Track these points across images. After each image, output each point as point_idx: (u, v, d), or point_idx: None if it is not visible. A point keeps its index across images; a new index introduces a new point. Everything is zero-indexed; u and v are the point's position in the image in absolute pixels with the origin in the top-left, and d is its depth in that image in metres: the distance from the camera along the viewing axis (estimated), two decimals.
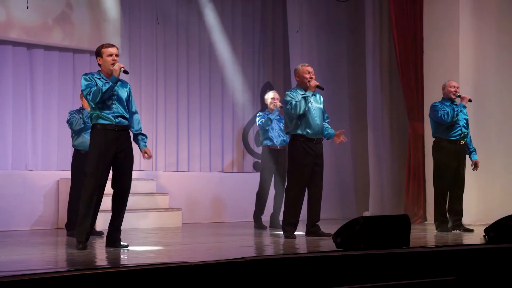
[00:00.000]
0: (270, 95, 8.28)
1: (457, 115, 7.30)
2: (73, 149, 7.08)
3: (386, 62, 9.73)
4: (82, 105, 7.07)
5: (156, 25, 9.50)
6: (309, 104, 6.57)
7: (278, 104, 8.22)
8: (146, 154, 5.76)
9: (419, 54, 9.23)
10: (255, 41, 10.44)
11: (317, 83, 6.64)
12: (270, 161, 8.05)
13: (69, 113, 7.07)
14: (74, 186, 6.88)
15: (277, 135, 8.08)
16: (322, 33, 10.24)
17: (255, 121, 8.16)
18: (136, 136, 5.79)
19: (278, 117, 8.15)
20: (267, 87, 10.24)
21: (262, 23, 10.51)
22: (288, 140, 6.81)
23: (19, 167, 8.31)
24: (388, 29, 9.63)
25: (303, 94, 6.56)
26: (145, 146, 5.78)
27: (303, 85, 6.68)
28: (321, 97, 6.83)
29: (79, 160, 6.86)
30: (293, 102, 6.49)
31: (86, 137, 6.91)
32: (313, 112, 6.60)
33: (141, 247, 5.70)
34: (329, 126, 6.87)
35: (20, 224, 7.71)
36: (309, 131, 6.57)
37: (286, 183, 6.81)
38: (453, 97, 7.46)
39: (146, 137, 5.85)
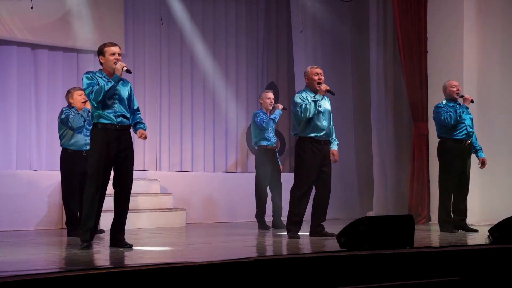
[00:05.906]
0: (270, 95, 8.25)
1: (460, 116, 7.28)
2: (61, 148, 7.00)
3: (390, 62, 9.72)
4: (71, 103, 7.03)
5: (160, 25, 9.51)
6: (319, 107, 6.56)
7: (281, 106, 8.23)
8: (142, 135, 5.61)
9: (423, 54, 9.21)
10: (259, 41, 10.44)
11: (328, 88, 6.61)
12: (267, 161, 8.04)
13: (62, 110, 6.95)
14: (68, 186, 6.90)
15: (273, 135, 8.10)
16: (326, 33, 10.24)
17: (253, 120, 8.11)
18: (137, 123, 5.68)
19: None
20: (271, 87, 10.24)
21: (266, 23, 10.51)
22: (296, 141, 6.77)
23: (23, 167, 8.33)
24: (392, 29, 9.62)
25: (313, 98, 6.54)
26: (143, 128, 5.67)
27: (312, 87, 6.66)
28: (328, 98, 6.81)
29: (69, 159, 6.86)
30: (303, 105, 6.47)
31: (80, 137, 6.90)
32: (321, 114, 6.59)
33: (145, 247, 5.70)
34: (334, 137, 6.83)
35: (25, 224, 7.73)
36: (317, 133, 6.57)
37: (293, 183, 6.77)
38: (456, 97, 7.44)
39: (145, 126, 5.75)
